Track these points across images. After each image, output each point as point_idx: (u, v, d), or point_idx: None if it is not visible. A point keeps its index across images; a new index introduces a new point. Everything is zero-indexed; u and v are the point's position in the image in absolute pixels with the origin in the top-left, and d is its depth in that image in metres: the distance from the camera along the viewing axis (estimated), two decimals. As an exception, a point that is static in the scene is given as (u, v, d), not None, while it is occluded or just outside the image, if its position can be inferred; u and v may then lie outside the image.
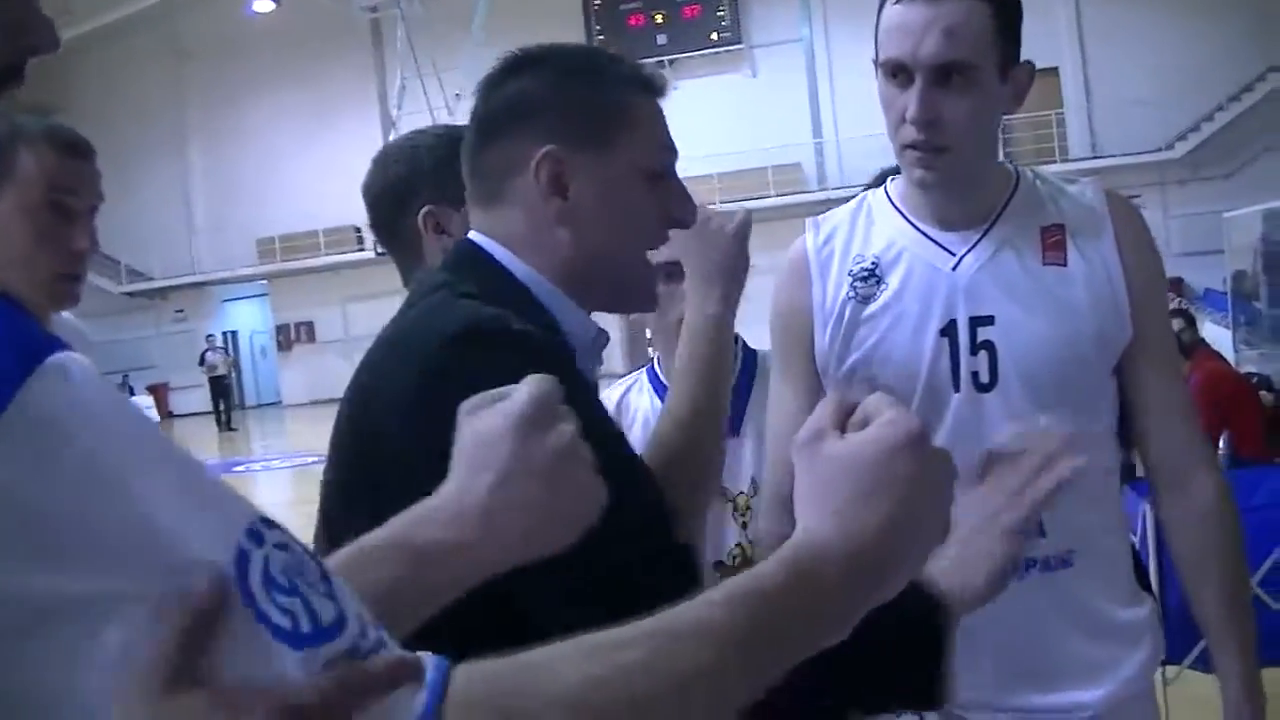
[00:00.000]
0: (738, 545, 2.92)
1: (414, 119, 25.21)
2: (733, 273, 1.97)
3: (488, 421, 1.16)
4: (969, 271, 2.19)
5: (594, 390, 1.69)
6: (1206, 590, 2.25)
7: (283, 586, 0.77)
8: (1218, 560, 2.26)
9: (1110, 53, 28.78)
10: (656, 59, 31.52)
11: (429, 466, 1.18)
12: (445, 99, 28.80)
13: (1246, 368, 12.64)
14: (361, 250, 31.07)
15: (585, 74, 1.67)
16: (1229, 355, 13.46)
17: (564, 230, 1.63)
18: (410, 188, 2.36)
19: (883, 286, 2.23)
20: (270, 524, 0.80)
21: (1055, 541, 2.18)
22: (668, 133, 1.73)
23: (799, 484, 1.06)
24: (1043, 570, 2.18)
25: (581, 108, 1.63)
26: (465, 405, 1.19)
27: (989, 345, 2.17)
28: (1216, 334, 15.71)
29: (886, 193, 2.32)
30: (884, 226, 2.28)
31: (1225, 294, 18.00)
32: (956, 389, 2.17)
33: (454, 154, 2.30)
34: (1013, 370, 2.16)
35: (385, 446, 1.49)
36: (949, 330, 2.18)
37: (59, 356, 0.75)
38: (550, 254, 1.64)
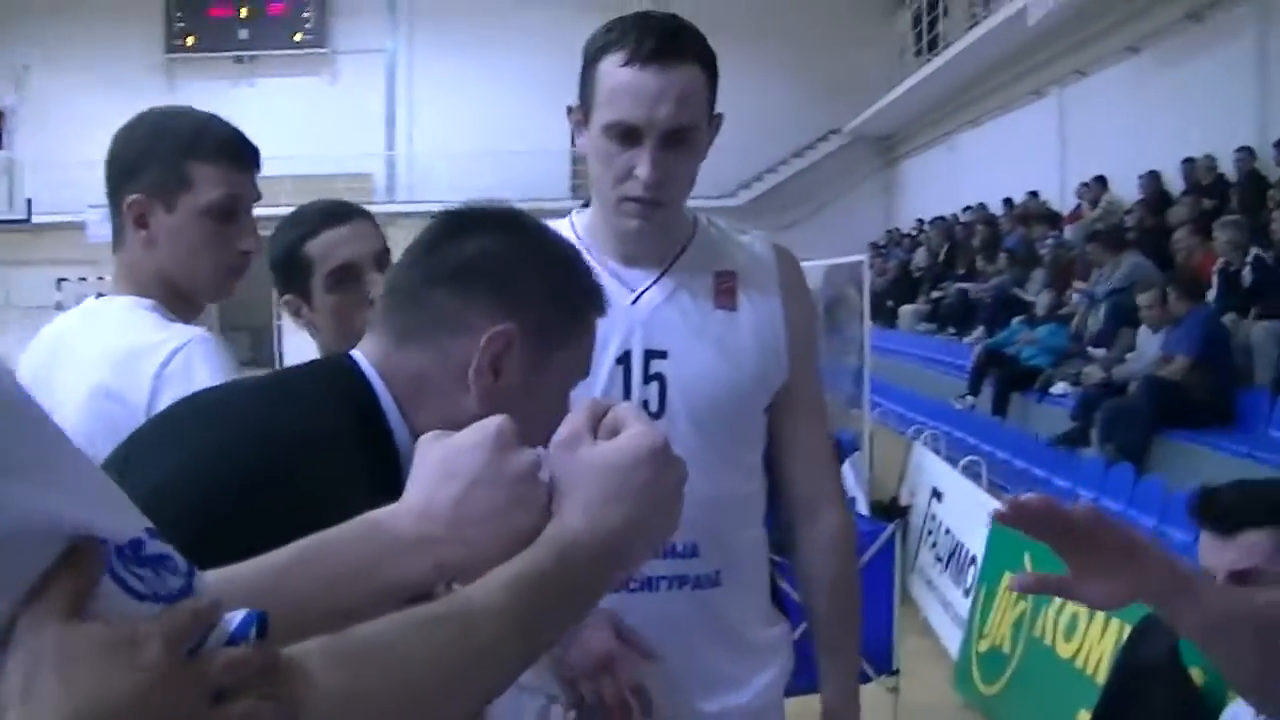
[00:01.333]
0: None
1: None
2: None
3: (462, 436, 1.26)
4: (648, 307, 2.35)
5: None
6: (824, 610, 2.49)
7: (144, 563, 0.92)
8: (838, 585, 2.50)
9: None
10: (235, 54, 30.83)
11: None
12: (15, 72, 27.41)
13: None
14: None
15: (567, 272, 1.61)
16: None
17: (477, 406, 1.51)
18: (120, 168, 2.34)
19: None
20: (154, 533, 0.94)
21: (708, 560, 2.36)
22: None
23: (557, 479, 1.26)
24: (694, 588, 2.36)
25: (550, 301, 1.57)
26: (426, 436, 1.30)
27: (659, 377, 2.33)
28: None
29: (572, 225, 2.45)
30: None
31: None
32: None
33: (161, 139, 2.32)
34: (680, 401, 2.33)
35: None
36: (624, 359, 2.34)
37: None
38: (440, 416, 1.49)
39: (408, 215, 25.63)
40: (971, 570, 7.38)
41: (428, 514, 1.23)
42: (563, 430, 1.29)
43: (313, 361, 1.78)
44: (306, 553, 1.18)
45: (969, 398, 14.20)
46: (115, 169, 2.34)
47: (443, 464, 1.25)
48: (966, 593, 7.39)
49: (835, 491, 2.54)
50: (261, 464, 1.36)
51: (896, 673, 6.22)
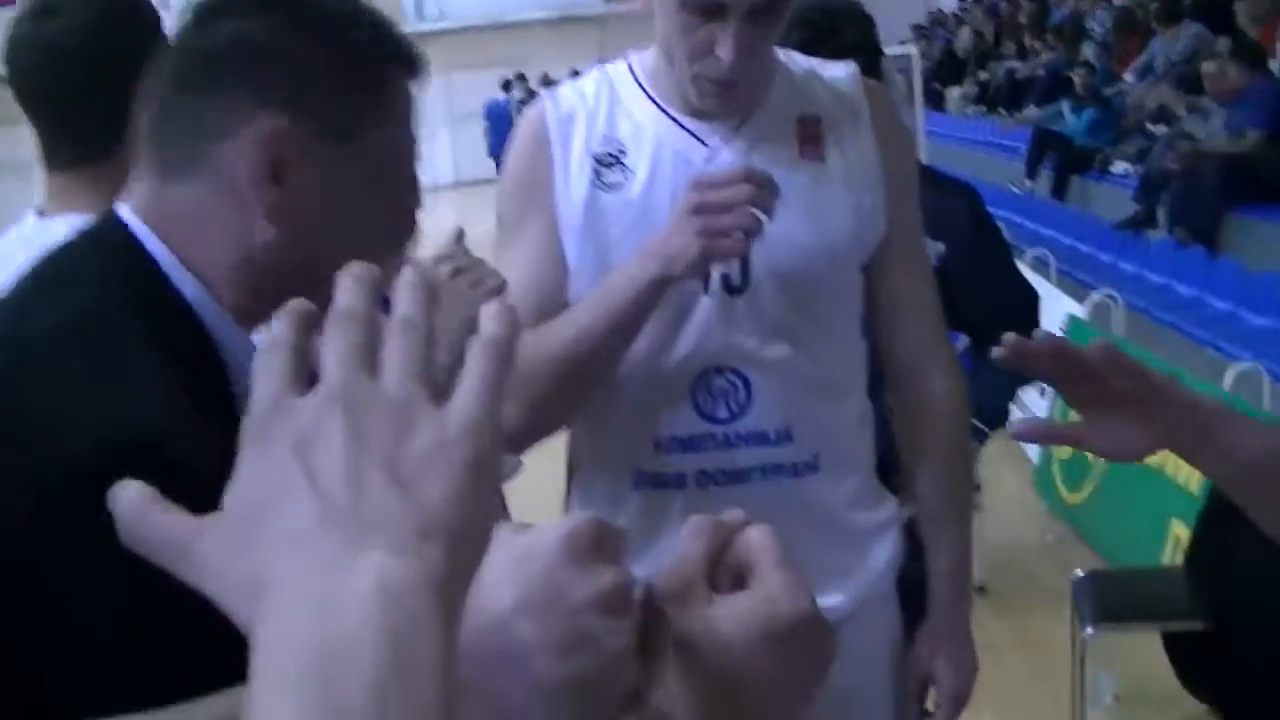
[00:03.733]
0: None
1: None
2: (460, 346, 1.87)
3: (534, 535, 0.79)
4: (724, 166, 2.06)
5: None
6: (927, 485, 2.26)
7: None
8: (946, 457, 2.26)
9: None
10: None
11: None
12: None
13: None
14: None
15: (346, 34, 1.31)
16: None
17: (268, 228, 1.27)
18: None
19: (630, 175, 2.08)
20: None
21: (803, 445, 2.12)
22: (414, 127, 1.40)
23: (655, 643, 0.78)
24: (790, 477, 2.12)
25: (329, 79, 1.29)
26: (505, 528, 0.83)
27: None
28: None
29: (631, 71, 2.15)
30: (631, 109, 2.12)
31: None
32: (706, 290, 2.06)
33: None
34: (765, 272, 2.06)
35: None
36: None
37: None
38: (235, 255, 1.28)
39: (439, 34, 25.15)
40: (1047, 371, 7.09)
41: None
42: (670, 573, 0.81)
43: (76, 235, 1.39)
44: None
45: (1027, 182, 13.82)
46: None
47: (500, 574, 0.76)
48: (1042, 393, 7.14)
49: (942, 353, 2.27)
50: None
51: (977, 487, 6.02)
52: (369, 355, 0.65)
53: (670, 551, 0.83)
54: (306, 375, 0.66)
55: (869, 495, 2.26)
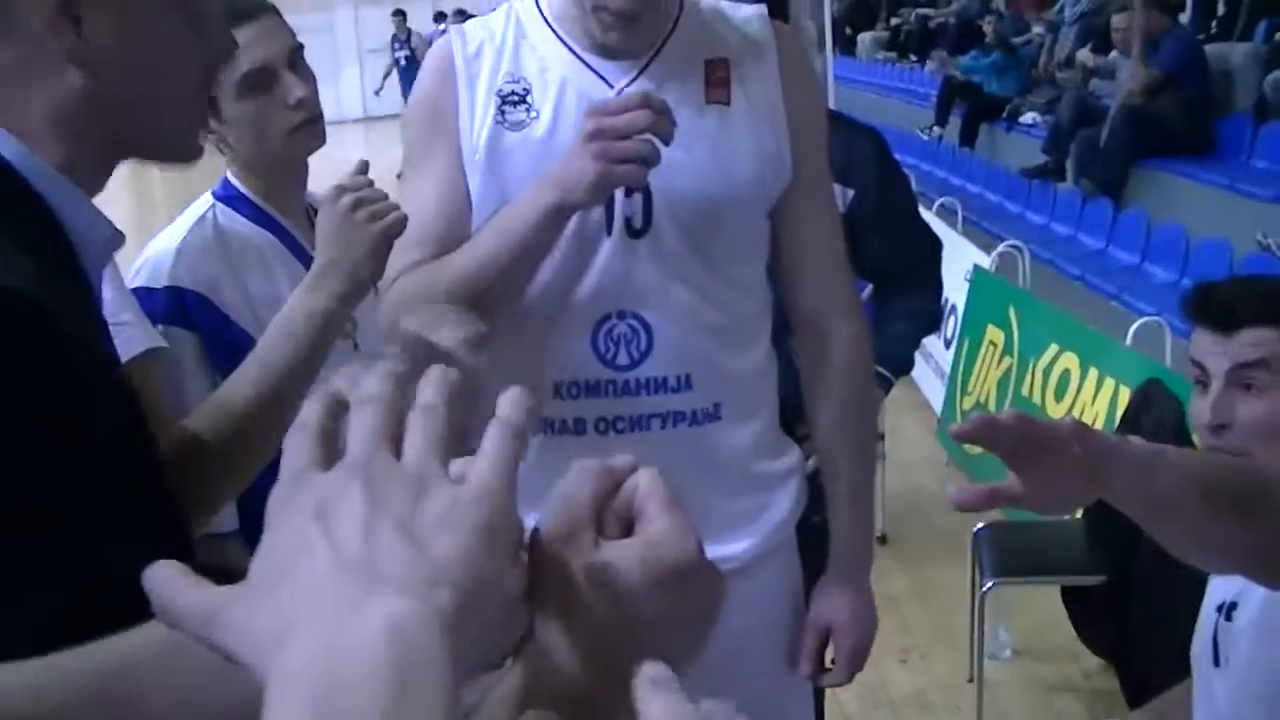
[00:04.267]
0: None
1: None
2: (358, 276, 1.80)
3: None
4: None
5: (84, 341, 1.25)
6: (829, 433, 2.23)
7: None
8: (845, 405, 2.23)
9: None
10: None
11: None
12: None
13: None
14: None
15: None
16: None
17: (76, 74, 1.24)
18: None
19: (533, 114, 2.02)
20: None
21: (704, 392, 2.08)
22: None
23: (539, 583, 0.79)
24: (690, 424, 2.08)
25: None
26: None
27: (644, 188, 2.00)
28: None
29: (538, 6, 2.08)
30: (538, 45, 2.06)
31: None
32: (609, 233, 2.01)
33: None
34: (667, 214, 2.01)
35: None
36: None
37: None
38: (51, 108, 1.25)
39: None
40: (952, 320, 7.13)
41: None
42: (557, 517, 0.80)
43: None
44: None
45: (936, 129, 13.86)
46: None
47: None
48: (947, 344, 7.17)
49: (847, 301, 2.23)
50: None
51: (880, 436, 6.03)
52: (391, 435, 0.70)
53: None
54: (331, 454, 0.70)
55: (771, 443, 2.22)
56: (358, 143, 19.44)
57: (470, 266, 1.95)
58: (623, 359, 2.03)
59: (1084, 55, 11.48)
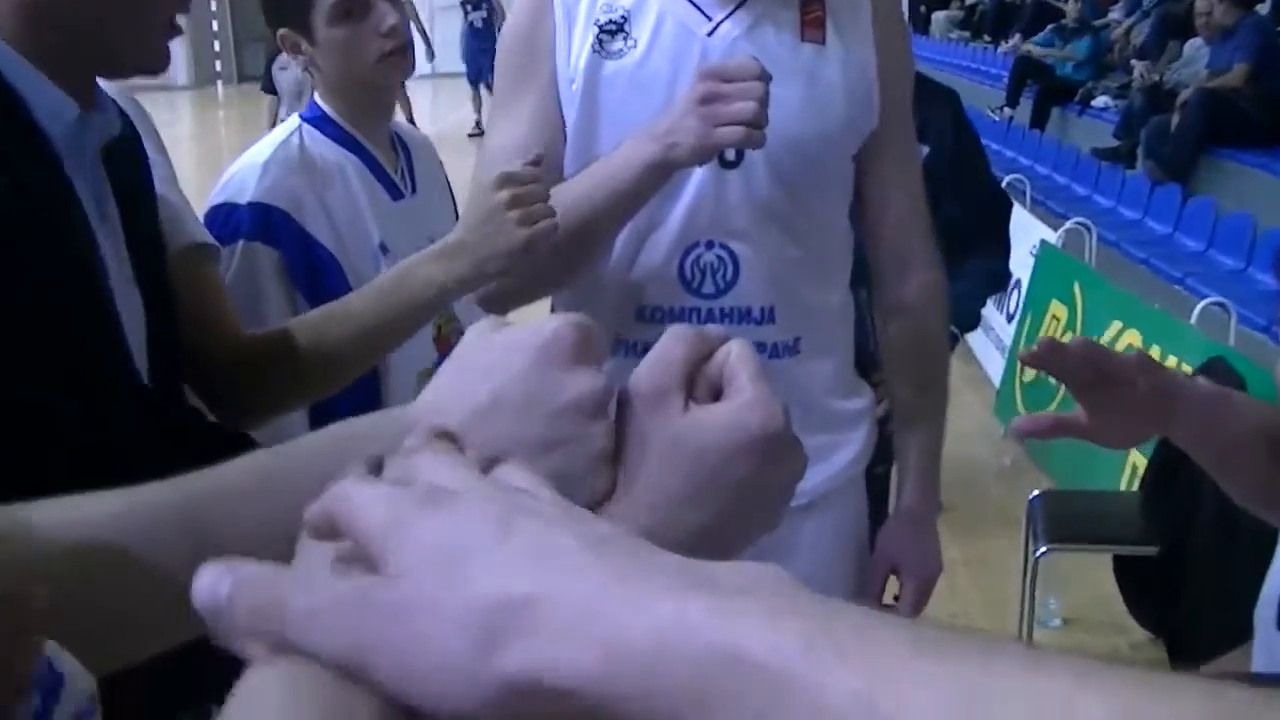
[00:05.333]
0: None
1: None
2: (485, 269, 1.82)
3: (513, 334, 0.81)
4: (725, 39, 2.03)
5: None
6: (902, 378, 2.27)
7: None
8: (923, 351, 2.26)
9: None
10: None
11: None
12: None
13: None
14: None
15: None
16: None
17: None
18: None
19: (630, 43, 2.05)
20: None
21: (786, 326, 2.11)
22: None
23: (629, 441, 0.79)
24: (770, 357, 2.12)
25: None
26: (481, 323, 0.86)
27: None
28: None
29: None
30: None
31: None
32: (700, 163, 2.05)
33: None
34: (759, 150, 2.04)
35: None
36: None
37: None
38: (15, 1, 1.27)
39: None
40: (1016, 295, 7.13)
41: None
42: (648, 377, 0.78)
43: None
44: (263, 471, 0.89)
45: (1007, 109, 13.79)
46: None
47: (480, 368, 0.79)
48: (1010, 318, 7.18)
49: (925, 249, 2.26)
50: None
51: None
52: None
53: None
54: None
55: (846, 383, 2.26)
56: (425, 99, 19.51)
57: (568, 205, 1.94)
58: (709, 287, 2.06)
59: (1160, 41, 11.39)
